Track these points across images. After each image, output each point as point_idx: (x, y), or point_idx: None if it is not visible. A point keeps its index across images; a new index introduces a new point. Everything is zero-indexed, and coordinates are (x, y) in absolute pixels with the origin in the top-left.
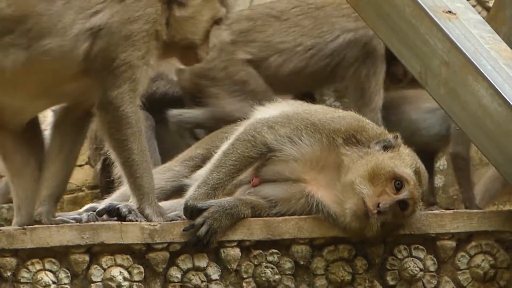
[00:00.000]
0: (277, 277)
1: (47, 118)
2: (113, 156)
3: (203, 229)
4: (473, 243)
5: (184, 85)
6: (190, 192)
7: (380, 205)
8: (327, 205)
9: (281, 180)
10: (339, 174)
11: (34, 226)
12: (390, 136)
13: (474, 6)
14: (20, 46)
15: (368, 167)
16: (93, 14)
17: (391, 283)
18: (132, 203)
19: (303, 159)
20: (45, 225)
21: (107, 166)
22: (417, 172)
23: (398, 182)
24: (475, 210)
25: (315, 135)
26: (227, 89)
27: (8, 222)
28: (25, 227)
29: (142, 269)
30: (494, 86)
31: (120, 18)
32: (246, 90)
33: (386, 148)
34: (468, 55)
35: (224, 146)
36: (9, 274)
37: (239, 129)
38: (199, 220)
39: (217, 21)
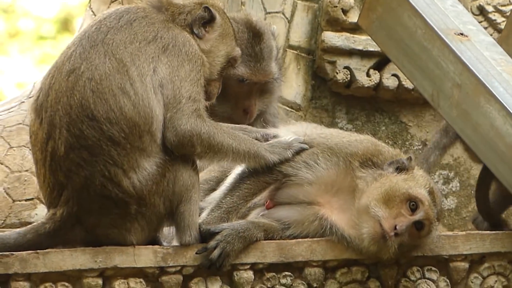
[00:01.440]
0: None
1: None
2: None
3: (216, 252)
4: (486, 264)
5: None
6: (203, 216)
7: (397, 227)
8: (341, 228)
9: (295, 202)
10: (353, 197)
11: (47, 250)
12: (403, 158)
13: (485, 28)
14: None
15: (382, 190)
16: None
17: None
18: None
19: (318, 182)
20: (58, 249)
21: None
22: (431, 192)
23: (413, 203)
24: (488, 232)
25: (332, 159)
26: None
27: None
28: (38, 251)
29: None
30: (506, 108)
31: None
32: None
33: (399, 169)
34: (480, 77)
35: (239, 168)
36: None
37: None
38: (212, 243)
39: (231, 61)
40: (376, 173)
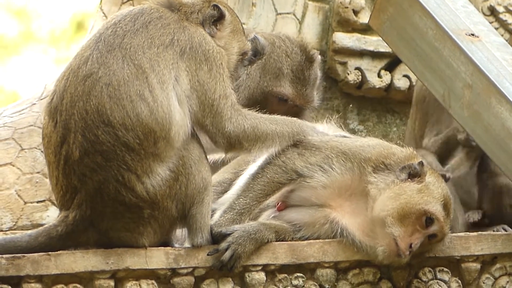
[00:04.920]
0: None
1: None
2: None
3: (227, 254)
4: (498, 265)
5: None
6: (215, 218)
7: (412, 245)
8: (352, 233)
9: (306, 205)
10: (366, 202)
11: (58, 252)
12: (415, 162)
13: (496, 28)
14: None
15: (398, 205)
16: None
17: None
18: None
19: (333, 187)
20: (70, 251)
21: None
22: (446, 205)
23: (429, 219)
24: (499, 232)
25: (346, 164)
26: None
27: None
28: (49, 253)
29: None
30: None
31: None
32: None
33: (412, 175)
34: (491, 78)
35: (253, 169)
36: None
37: (269, 153)
38: (223, 245)
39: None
40: (389, 179)
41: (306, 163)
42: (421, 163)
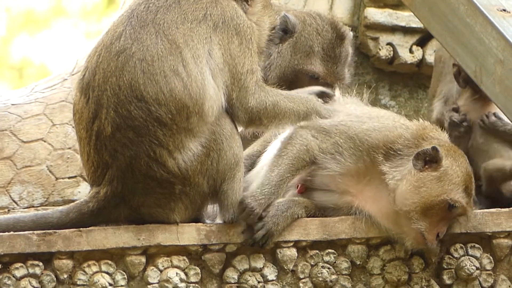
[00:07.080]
0: (333, 277)
1: None
2: None
3: (260, 233)
4: None
5: None
6: (252, 189)
7: (439, 234)
8: (377, 219)
9: (327, 189)
10: (386, 186)
11: (90, 228)
12: (429, 148)
13: None
14: None
15: (419, 199)
16: None
17: (448, 282)
18: None
19: (350, 174)
20: (101, 227)
21: None
22: (467, 186)
23: (452, 206)
24: None
25: (356, 153)
26: None
27: None
28: (81, 229)
29: (198, 270)
30: None
31: None
32: None
33: (428, 161)
34: None
35: (277, 143)
36: (65, 276)
37: (289, 130)
38: (258, 224)
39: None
40: (404, 169)
41: (319, 148)
42: (435, 149)
